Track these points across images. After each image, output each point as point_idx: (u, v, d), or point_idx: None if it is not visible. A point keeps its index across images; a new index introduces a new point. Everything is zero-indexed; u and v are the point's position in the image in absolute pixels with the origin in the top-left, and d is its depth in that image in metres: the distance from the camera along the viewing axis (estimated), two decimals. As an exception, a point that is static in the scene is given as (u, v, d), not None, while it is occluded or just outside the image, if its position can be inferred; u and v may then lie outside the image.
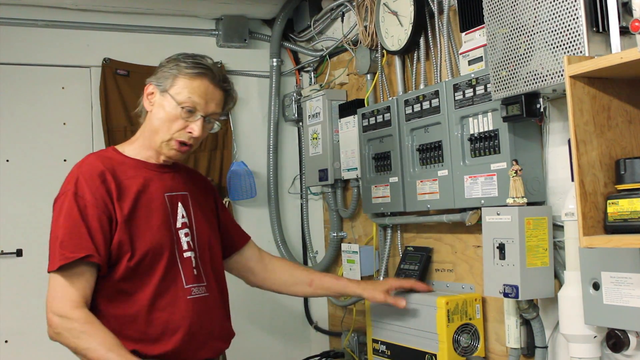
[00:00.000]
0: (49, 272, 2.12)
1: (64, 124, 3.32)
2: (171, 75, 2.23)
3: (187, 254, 2.27)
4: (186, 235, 2.29)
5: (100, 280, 2.16)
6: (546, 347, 2.26)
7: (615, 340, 1.94)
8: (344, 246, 3.38)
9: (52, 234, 2.16)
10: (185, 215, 2.31)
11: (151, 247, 2.19)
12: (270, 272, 2.63)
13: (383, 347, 2.76)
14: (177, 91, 2.21)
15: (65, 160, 3.22)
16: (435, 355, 2.48)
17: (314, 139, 3.43)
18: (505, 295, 2.16)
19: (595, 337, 2.02)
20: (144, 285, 2.18)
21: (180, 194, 2.32)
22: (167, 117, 2.22)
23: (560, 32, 1.89)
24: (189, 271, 2.26)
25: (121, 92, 3.37)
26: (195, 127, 2.22)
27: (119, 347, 2.05)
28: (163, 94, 2.23)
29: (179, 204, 2.31)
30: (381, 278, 3.00)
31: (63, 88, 3.34)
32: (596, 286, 1.96)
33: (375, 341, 2.82)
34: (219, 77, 2.27)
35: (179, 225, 2.28)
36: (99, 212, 2.14)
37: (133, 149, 2.31)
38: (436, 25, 2.66)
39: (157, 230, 2.22)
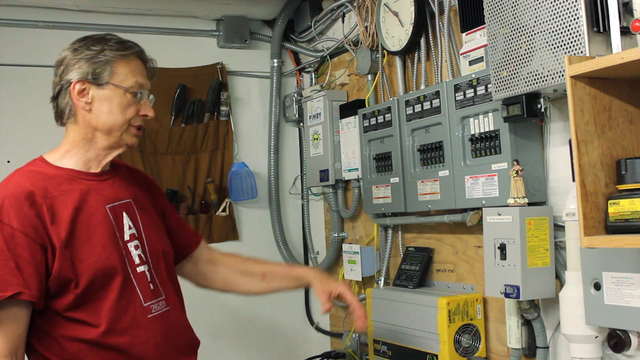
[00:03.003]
0: None
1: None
2: (105, 62, 2.00)
3: (140, 269, 2.04)
4: (136, 247, 2.06)
5: (43, 312, 1.94)
6: (547, 348, 2.26)
7: (617, 340, 1.94)
8: (345, 247, 3.38)
9: None
10: (132, 225, 2.07)
11: (98, 270, 1.95)
12: (221, 272, 2.40)
13: (384, 348, 2.76)
14: (120, 78, 2.01)
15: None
16: (436, 356, 2.48)
17: (314, 139, 3.43)
18: (507, 295, 2.16)
19: (596, 337, 2.02)
20: (98, 312, 1.96)
21: (124, 202, 2.08)
22: (118, 108, 2.00)
23: (561, 33, 1.89)
24: (145, 287, 2.04)
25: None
26: (149, 109, 2.07)
27: None
28: (103, 86, 2.00)
29: (124, 214, 2.07)
30: (382, 279, 2.99)
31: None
32: (597, 286, 1.96)
33: (376, 342, 2.81)
34: (143, 50, 2.12)
35: (127, 238, 2.05)
36: (29, 241, 1.89)
37: (66, 157, 2.06)
38: (437, 25, 2.66)
39: (102, 249, 1.98)
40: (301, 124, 3.68)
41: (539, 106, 2.12)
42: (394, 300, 2.69)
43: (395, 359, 2.70)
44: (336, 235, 3.45)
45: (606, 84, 1.76)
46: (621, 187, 1.74)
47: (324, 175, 3.36)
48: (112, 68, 2.01)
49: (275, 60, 3.70)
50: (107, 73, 2.00)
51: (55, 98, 2.10)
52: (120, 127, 2.03)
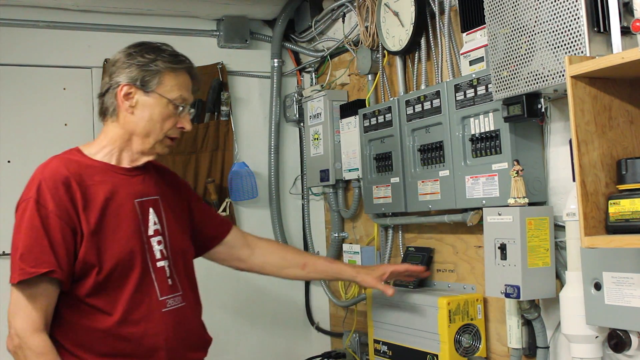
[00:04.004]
0: (10, 283, 2.01)
1: (65, 124, 3.32)
2: (155, 72, 2.11)
3: (160, 263, 2.15)
4: (159, 243, 2.17)
5: (65, 294, 2.05)
6: (548, 348, 2.26)
7: (617, 340, 1.94)
8: (345, 246, 3.38)
9: (12, 243, 2.02)
10: (157, 221, 2.18)
11: (120, 259, 2.06)
12: (259, 256, 2.54)
13: (384, 348, 2.76)
14: (166, 89, 2.12)
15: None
16: (436, 356, 2.48)
17: (315, 139, 3.43)
18: (507, 295, 2.16)
19: (596, 337, 2.01)
20: (115, 300, 2.06)
21: (152, 199, 2.19)
22: (159, 117, 2.12)
23: (562, 33, 1.89)
24: (163, 281, 2.14)
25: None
26: (187, 123, 2.18)
27: None
28: (149, 94, 2.11)
29: (150, 210, 2.18)
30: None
31: (64, 89, 3.34)
32: (598, 286, 1.96)
33: (376, 341, 2.82)
34: (193, 66, 2.22)
35: (150, 232, 2.15)
36: (62, 224, 2.00)
37: (101, 151, 2.16)
38: (437, 25, 2.66)
39: (126, 240, 2.09)
40: (301, 124, 3.68)
41: (539, 106, 2.12)
42: (394, 300, 2.69)
43: (396, 359, 2.70)
44: (336, 235, 3.45)
45: (607, 84, 1.76)
46: (621, 187, 1.74)
47: (324, 175, 3.36)
48: (160, 78, 2.11)
49: (275, 60, 3.70)
50: (155, 82, 2.11)
51: (102, 95, 2.19)
52: (156, 136, 2.14)
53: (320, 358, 3.43)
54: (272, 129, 3.68)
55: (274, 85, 3.69)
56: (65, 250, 2.00)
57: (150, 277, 2.13)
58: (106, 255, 2.05)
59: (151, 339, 2.09)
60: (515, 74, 2.07)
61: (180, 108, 2.15)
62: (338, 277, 2.66)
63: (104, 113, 2.19)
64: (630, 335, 1.93)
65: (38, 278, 1.98)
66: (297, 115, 3.63)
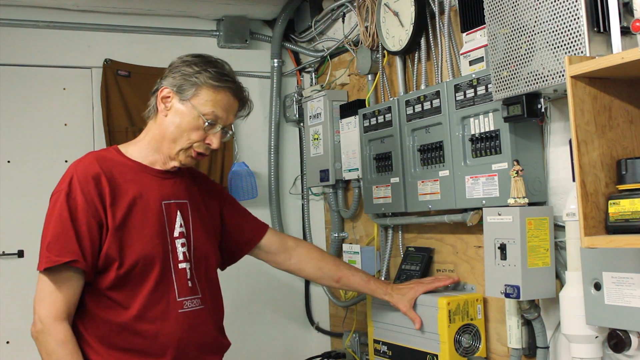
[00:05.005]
0: (37, 270, 2.11)
1: (65, 124, 3.33)
2: (194, 83, 2.18)
3: (182, 265, 2.22)
4: (183, 245, 2.24)
5: (89, 286, 2.14)
6: (548, 348, 2.26)
7: (617, 340, 1.94)
8: (345, 247, 3.38)
9: (43, 232, 2.13)
10: (183, 224, 2.25)
11: (142, 257, 2.14)
12: (296, 262, 2.59)
13: (384, 348, 2.76)
14: (200, 102, 2.18)
15: (66, 161, 3.21)
16: (436, 356, 2.48)
17: (315, 139, 3.43)
18: (507, 295, 2.16)
19: (596, 337, 2.01)
20: (134, 296, 2.14)
21: (180, 202, 2.27)
22: (187, 126, 2.18)
23: (561, 33, 1.89)
24: (183, 283, 2.21)
25: (122, 92, 3.36)
26: (215, 140, 2.22)
27: None
28: (183, 102, 2.18)
29: (178, 213, 2.25)
30: (382, 278, 3.00)
31: (64, 89, 3.34)
32: (597, 286, 1.96)
33: (376, 342, 2.82)
34: (240, 89, 2.27)
35: (176, 234, 2.23)
36: (89, 217, 2.09)
37: (137, 150, 2.27)
38: (437, 25, 2.66)
39: (150, 239, 2.17)
40: (301, 124, 3.68)
41: (539, 106, 2.12)
42: (394, 300, 2.69)
43: (396, 359, 2.70)
44: (336, 235, 3.45)
45: (606, 84, 1.76)
46: (621, 187, 1.74)
47: (324, 175, 3.36)
48: (197, 90, 2.18)
49: (275, 60, 3.70)
50: (191, 92, 2.18)
51: (152, 93, 2.28)
52: (181, 144, 2.21)
53: (320, 358, 3.43)
54: (272, 129, 3.68)
55: (274, 86, 3.70)
56: (90, 242, 2.09)
57: (171, 277, 2.19)
58: (128, 251, 2.13)
59: (165, 338, 2.15)
60: (515, 74, 2.07)
61: (208, 124, 2.19)
62: (371, 295, 2.69)
63: (148, 112, 2.29)
64: (630, 335, 1.93)
65: (62, 267, 2.07)
66: (297, 115, 3.64)
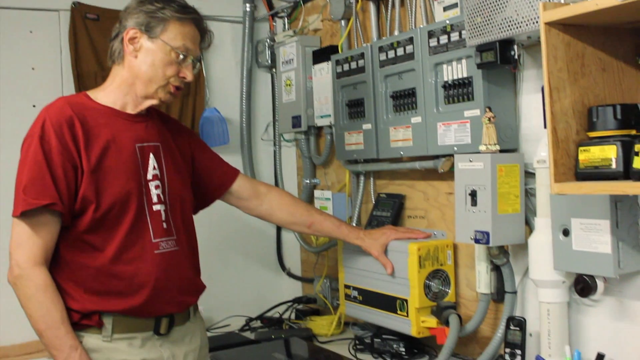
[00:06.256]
0: (13, 217, 2.09)
1: (33, 69, 3.26)
2: (161, 19, 2.17)
3: (156, 207, 2.22)
4: (157, 187, 2.23)
5: (65, 231, 2.13)
6: (515, 292, 2.30)
7: (583, 285, 1.98)
8: (316, 193, 3.39)
9: (17, 177, 2.11)
10: (156, 166, 2.25)
11: (118, 199, 2.14)
12: (267, 208, 2.60)
13: (355, 293, 2.79)
14: (170, 37, 2.18)
15: (34, 106, 3.16)
16: (406, 301, 2.51)
17: (287, 85, 3.40)
18: (477, 241, 2.18)
19: (563, 282, 2.05)
20: (110, 238, 2.14)
21: (153, 145, 2.26)
22: (161, 63, 2.19)
23: (536, -22, 1.87)
24: (157, 224, 2.21)
25: (91, 36, 3.30)
26: (188, 72, 2.24)
27: (60, 325, 2.06)
28: (153, 40, 2.18)
29: (151, 155, 2.24)
30: (354, 224, 3.01)
31: (31, 32, 3.26)
32: (566, 232, 1.99)
33: (347, 287, 2.84)
34: (202, 20, 2.28)
35: (149, 177, 2.22)
36: (64, 160, 2.07)
37: (106, 96, 2.24)
38: (411, -30, 2.64)
39: (125, 181, 2.16)
40: (274, 70, 3.65)
41: (512, 53, 2.11)
42: (365, 246, 2.71)
43: (366, 304, 2.73)
44: (308, 181, 3.46)
45: (580, 31, 1.76)
46: (592, 134, 1.76)
47: (296, 121, 3.34)
48: (165, 25, 2.18)
49: (247, 5, 3.64)
50: (159, 29, 2.18)
51: (111, 40, 2.27)
52: (158, 82, 2.21)
53: (291, 303, 3.47)
54: (244, 75, 3.65)
55: (246, 31, 3.65)
56: (66, 186, 2.08)
57: (145, 219, 2.19)
58: (104, 194, 2.12)
59: (141, 278, 2.16)
60: (489, 20, 2.06)
61: (182, 57, 2.20)
62: (343, 240, 2.71)
63: (112, 57, 2.26)
64: (597, 280, 1.96)
65: (40, 210, 2.06)
66: (270, 61, 3.60)
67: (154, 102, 2.25)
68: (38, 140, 2.08)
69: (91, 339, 2.13)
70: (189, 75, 2.24)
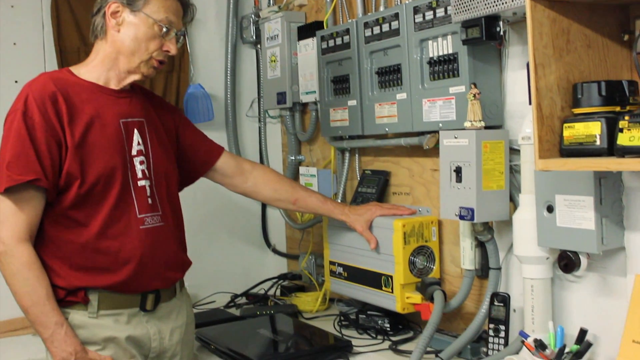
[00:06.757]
0: None
1: (14, 44, 3.22)
2: None
3: (141, 183, 2.22)
4: (141, 163, 2.24)
5: (49, 207, 2.13)
6: (500, 269, 2.31)
7: (567, 261, 1.99)
8: (302, 169, 3.38)
9: (0, 154, 2.10)
10: (141, 142, 2.25)
11: (103, 174, 2.14)
12: (252, 185, 2.60)
13: (340, 269, 2.80)
14: (153, 10, 2.18)
15: (16, 82, 3.13)
16: (391, 277, 2.52)
17: (272, 61, 3.38)
18: (461, 217, 2.19)
19: (547, 258, 2.06)
20: (95, 214, 2.14)
21: (137, 121, 2.26)
22: (144, 36, 2.18)
23: (522, -46, 1.87)
24: (142, 200, 2.22)
25: (74, 11, 3.26)
26: (172, 46, 2.23)
27: (46, 301, 2.07)
28: (135, 13, 2.17)
29: (135, 131, 2.24)
30: (339, 201, 3.01)
31: (12, 7, 3.22)
32: (550, 209, 1.99)
33: (332, 263, 2.85)
34: None
35: (134, 152, 2.22)
36: (48, 136, 2.07)
37: (89, 71, 2.23)
38: (397, -55, 2.62)
39: (110, 157, 2.16)
40: (258, 46, 3.62)
41: (498, 29, 2.11)
42: (350, 223, 2.71)
43: (351, 280, 2.74)
44: (293, 158, 3.45)
45: (566, 7, 1.76)
46: (577, 110, 1.76)
47: (281, 97, 3.33)
48: None
49: (232, -20, 3.62)
50: (142, 2, 2.18)
51: (93, 15, 2.25)
52: (141, 56, 2.20)
53: (276, 280, 3.47)
54: (229, 51, 3.62)
55: (231, 6, 3.61)
56: (50, 161, 2.07)
57: (130, 194, 2.19)
58: (89, 169, 2.12)
59: (127, 254, 2.17)
60: (474, -4, 2.05)
61: (165, 30, 2.20)
62: (328, 216, 2.71)
63: (95, 33, 2.25)
64: (580, 256, 1.97)
65: (24, 186, 2.06)
66: (254, 37, 3.58)
67: (137, 77, 2.24)
68: (21, 116, 2.07)
69: (77, 316, 2.14)
70: (172, 49, 2.23)
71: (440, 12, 2.32)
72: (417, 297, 2.45)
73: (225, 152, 2.59)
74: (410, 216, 2.57)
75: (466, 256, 2.34)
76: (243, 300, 3.40)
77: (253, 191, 2.63)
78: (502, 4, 1.96)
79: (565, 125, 1.74)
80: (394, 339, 2.59)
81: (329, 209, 2.65)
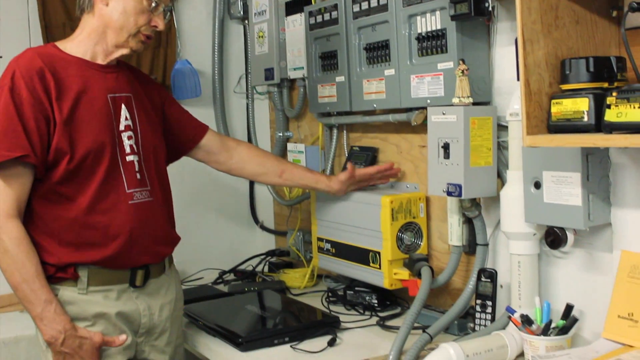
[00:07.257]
0: None
1: (-1, 22, 3.19)
2: None
3: (129, 158, 2.22)
4: (129, 138, 2.23)
5: (37, 183, 2.12)
6: (487, 245, 2.32)
7: (554, 237, 1.99)
8: (289, 146, 3.38)
9: None
10: (128, 117, 2.24)
11: (92, 149, 2.13)
12: (237, 161, 2.60)
13: (328, 245, 2.80)
14: None
15: (1, 57, 3.10)
16: (378, 253, 2.52)
17: (260, 37, 3.36)
18: (449, 194, 2.19)
19: (534, 234, 2.07)
20: (84, 189, 2.14)
21: (124, 96, 2.25)
22: (133, 10, 2.17)
23: None
24: (131, 175, 2.21)
25: (59, -15, 3.23)
26: (160, 21, 2.23)
27: (35, 278, 2.06)
28: None
29: (123, 106, 2.24)
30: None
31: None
32: (537, 185, 2.00)
33: (320, 239, 2.85)
34: None
35: (122, 127, 2.22)
36: (36, 112, 2.06)
37: (75, 46, 2.22)
38: None
39: (98, 132, 2.15)
40: (246, 21, 3.60)
41: (486, 5, 2.11)
42: (337, 199, 2.71)
43: (339, 256, 2.75)
44: (281, 134, 3.44)
45: (554, -18, 1.75)
46: (565, 86, 1.76)
47: (269, 73, 3.31)
48: None
49: (219, -46, 3.58)
50: None
51: None
52: (129, 30, 2.19)
53: (264, 256, 3.47)
54: (216, 27, 3.59)
55: (218, -20, 3.59)
56: (39, 137, 2.06)
57: (119, 169, 2.19)
58: (78, 145, 2.11)
59: (116, 229, 2.17)
60: (463, -29, 2.04)
61: (154, 4, 2.19)
62: (314, 187, 2.71)
63: (81, 7, 2.23)
64: (567, 232, 1.98)
65: (12, 163, 2.05)
66: (242, 13, 3.55)
67: (125, 51, 2.23)
68: (8, 92, 2.06)
69: (67, 292, 2.14)
70: (160, 24, 2.23)
71: (428, -12, 2.31)
72: (404, 273, 2.46)
73: (210, 130, 2.59)
74: (393, 176, 2.65)
75: (454, 232, 2.35)
76: (231, 276, 3.40)
77: (239, 167, 2.62)
78: (491, -21, 1.95)
79: (553, 101, 1.74)
80: (381, 314, 2.60)
81: (315, 178, 2.67)
